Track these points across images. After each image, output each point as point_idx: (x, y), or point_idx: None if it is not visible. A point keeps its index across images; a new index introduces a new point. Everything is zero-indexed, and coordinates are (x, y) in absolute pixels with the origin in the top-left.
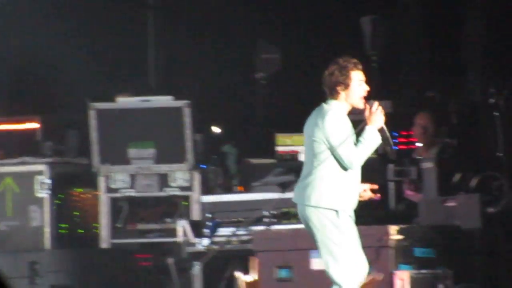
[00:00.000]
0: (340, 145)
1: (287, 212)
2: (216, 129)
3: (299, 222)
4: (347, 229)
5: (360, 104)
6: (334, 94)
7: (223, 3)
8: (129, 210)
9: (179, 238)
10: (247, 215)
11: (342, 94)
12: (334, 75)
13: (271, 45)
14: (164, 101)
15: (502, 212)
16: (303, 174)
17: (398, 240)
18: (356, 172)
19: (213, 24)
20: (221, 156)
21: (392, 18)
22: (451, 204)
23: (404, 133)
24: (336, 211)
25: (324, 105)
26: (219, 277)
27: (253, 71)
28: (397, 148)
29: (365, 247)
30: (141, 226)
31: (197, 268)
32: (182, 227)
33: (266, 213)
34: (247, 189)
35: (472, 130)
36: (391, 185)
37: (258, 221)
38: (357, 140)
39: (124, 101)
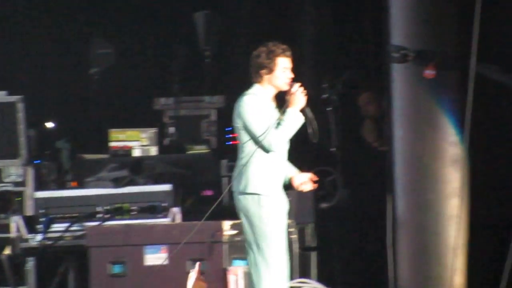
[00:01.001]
0: (257, 127)
1: (120, 208)
2: (49, 125)
3: (132, 217)
4: (272, 215)
5: (284, 87)
6: (257, 77)
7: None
8: None
9: (13, 233)
10: (81, 210)
11: (265, 78)
12: (260, 57)
13: (105, 40)
14: None
15: (335, 207)
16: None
17: (232, 235)
18: (280, 155)
19: (48, 17)
20: (55, 152)
21: (225, 14)
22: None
23: None
24: (258, 195)
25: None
26: (53, 273)
27: (88, 66)
28: (231, 143)
29: (198, 242)
30: None
31: (30, 264)
32: (15, 222)
33: (99, 208)
34: (81, 185)
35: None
36: (225, 181)
37: (92, 216)
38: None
39: None
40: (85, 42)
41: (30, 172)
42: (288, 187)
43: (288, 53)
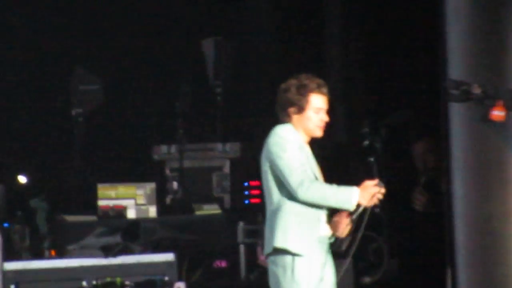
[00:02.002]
0: (287, 164)
1: (112, 283)
2: (22, 179)
3: None
4: (305, 280)
5: (317, 133)
6: (284, 117)
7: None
8: None
9: None
10: (62, 286)
11: (294, 119)
12: (290, 92)
13: (91, 73)
14: None
15: (380, 282)
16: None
17: None
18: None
19: (24, 50)
20: (28, 212)
21: (240, 40)
22: None
23: (257, 183)
24: (292, 255)
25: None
26: None
27: (69, 106)
28: (249, 201)
29: None
30: None
31: None
32: None
33: (85, 283)
34: (62, 254)
35: (338, 180)
36: (242, 249)
37: None
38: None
39: None
40: (66, 74)
41: None
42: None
43: (325, 90)
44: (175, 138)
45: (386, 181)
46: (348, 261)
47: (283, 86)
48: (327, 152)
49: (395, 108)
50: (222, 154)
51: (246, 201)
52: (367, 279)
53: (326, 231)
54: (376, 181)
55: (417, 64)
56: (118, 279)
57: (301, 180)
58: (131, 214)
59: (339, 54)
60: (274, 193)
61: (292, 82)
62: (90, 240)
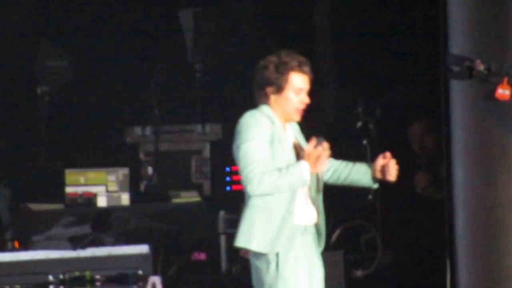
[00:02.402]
0: (250, 152)
1: (81, 277)
2: None
3: None
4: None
5: (295, 116)
6: (261, 97)
7: None
8: None
9: None
10: (26, 281)
11: (272, 99)
12: (268, 70)
13: (59, 48)
14: None
15: (373, 276)
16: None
17: None
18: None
19: None
20: None
21: (221, 11)
22: None
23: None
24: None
25: None
26: None
27: (34, 83)
28: (230, 188)
29: None
30: None
31: None
32: None
33: (52, 278)
34: (26, 246)
35: None
36: (223, 239)
37: None
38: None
39: None
40: (31, 49)
41: None
42: None
43: (306, 68)
44: (149, 118)
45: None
46: None
47: (261, 63)
48: (315, 134)
49: (390, 86)
50: (202, 136)
51: (228, 188)
52: (359, 273)
53: (304, 219)
54: (313, 142)
55: (415, 37)
56: (87, 273)
57: (253, 174)
58: (101, 202)
59: (329, 25)
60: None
61: (271, 59)
62: (57, 230)
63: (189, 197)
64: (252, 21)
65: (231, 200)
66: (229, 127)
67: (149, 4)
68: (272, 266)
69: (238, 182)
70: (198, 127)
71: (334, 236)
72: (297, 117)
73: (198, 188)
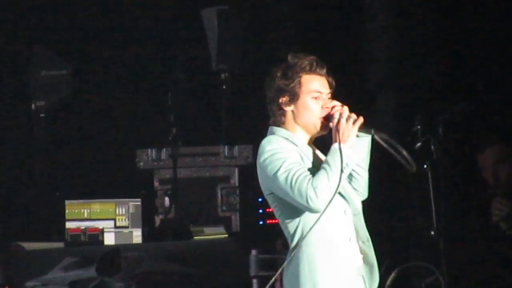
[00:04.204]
0: (284, 178)
1: None
2: None
3: None
4: None
5: (321, 128)
6: (276, 114)
7: None
8: None
9: None
10: None
11: (289, 113)
12: (276, 79)
13: (56, 56)
14: None
15: None
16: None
17: None
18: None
19: None
20: None
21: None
22: None
23: None
24: None
25: None
26: None
27: (28, 97)
28: (264, 223)
29: None
30: None
31: None
32: None
33: None
34: None
35: (385, 192)
36: (255, 284)
37: None
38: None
39: None
40: (24, 56)
41: None
42: None
43: (321, 70)
44: (166, 139)
45: (445, 195)
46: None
47: (268, 77)
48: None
49: (456, 98)
50: (229, 160)
51: (260, 222)
52: None
53: (356, 250)
54: (334, 110)
55: (487, 41)
56: None
57: (304, 187)
58: (109, 239)
59: (385, 26)
60: (287, 225)
61: (277, 68)
62: (56, 274)
63: (214, 233)
64: (290, 21)
65: (265, 237)
66: None
67: (165, 4)
68: None
69: (273, 215)
70: (225, 149)
71: (389, 281)
72: (325, 128)
73: (225, 222)
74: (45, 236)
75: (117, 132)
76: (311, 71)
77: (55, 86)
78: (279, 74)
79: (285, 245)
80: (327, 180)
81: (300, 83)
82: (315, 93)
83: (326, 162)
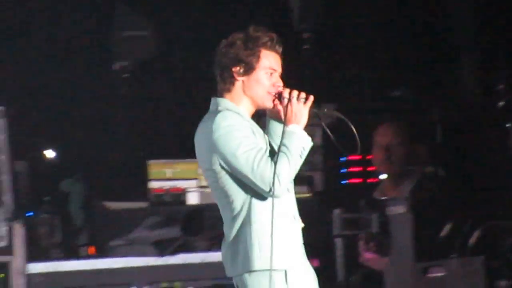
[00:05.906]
0: (247, 157)
1: None
2: (49, 153)
3: None
4: None
5: (267, 102)
6: (226, 81)
7: None
8: None
9: None
10: None
11: (239, 83)
12: (235, 46)
13: (138, 16)
14: None
15: None
16: (224, 229)
17: None
18: (287, 200)
19: None
20: (58, 198)
21: None
22: (437, 274)
23: (357, 157)
24: (282, 270)
25: (211, 108)
26: None
27: (110, 58)
28: (347, 182)
29: None
30: None
31: None
32: None
33: None
34: (103, 251)
35: (468, 151)
36: (339, 243)
37: None
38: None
39: None
40: (105, 16)
41: (19, 232)
42: None
43: (280, 47)
44: None
45: None
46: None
47: (224, 42)
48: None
49: None
50: (312, 119)
51: (343, 182)
52: (503, 283)
53: (300, 223)
54: (283, 93)
55: None
56: (176, 284)
57: (270, 172)
58: (192, 199)
59: None
60: (235, 198)
61: (238, 35)
62: (140, 233)
63: (296, 192)
64: None
65: (348, 196)
66: (344, 108)
67: None
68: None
69: (356, 175)
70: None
71: (473, 239)
72: (270, 103)
73: (308, 182)
74: (129, 195)
75: (204, 91)
76: (270, 47)
77: (137, 46)
78: (238, 43)
79: (369, 204)
80: (288, 166)
81: (258, 57)
82: (270, 70)
83: (284, 145)
